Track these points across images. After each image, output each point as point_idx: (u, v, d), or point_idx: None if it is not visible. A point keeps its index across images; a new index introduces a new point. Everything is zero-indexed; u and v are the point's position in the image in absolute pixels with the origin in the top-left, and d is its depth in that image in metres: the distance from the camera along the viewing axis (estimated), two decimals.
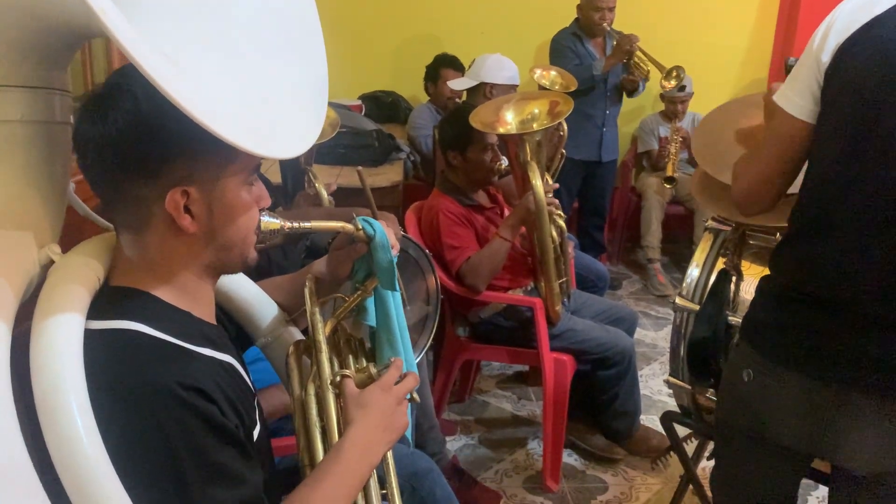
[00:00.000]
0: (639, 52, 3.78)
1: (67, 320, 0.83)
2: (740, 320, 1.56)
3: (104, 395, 0.81)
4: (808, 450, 1.27)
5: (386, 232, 1.16)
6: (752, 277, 1.74)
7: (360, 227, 1.15)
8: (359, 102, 4.26)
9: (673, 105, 4.34)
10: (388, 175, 3.24)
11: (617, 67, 3.86)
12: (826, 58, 1.13)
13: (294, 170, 2.43)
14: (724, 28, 4.73)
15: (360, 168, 1.38)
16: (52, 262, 0.91)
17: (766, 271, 1.32)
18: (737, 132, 1.40)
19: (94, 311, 0.88)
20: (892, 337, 1.11)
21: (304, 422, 1.08)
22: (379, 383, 1.04)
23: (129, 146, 0.86)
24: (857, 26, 1.10)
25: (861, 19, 1.09)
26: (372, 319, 1.20)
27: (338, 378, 1.06)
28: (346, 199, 2.43)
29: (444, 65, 3.98)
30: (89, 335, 0.84)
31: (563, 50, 3.88)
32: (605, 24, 3.84)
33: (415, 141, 3.88)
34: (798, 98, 1.18)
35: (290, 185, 2.44)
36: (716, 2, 4.68)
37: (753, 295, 1.35)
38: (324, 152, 2.97)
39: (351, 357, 1.18)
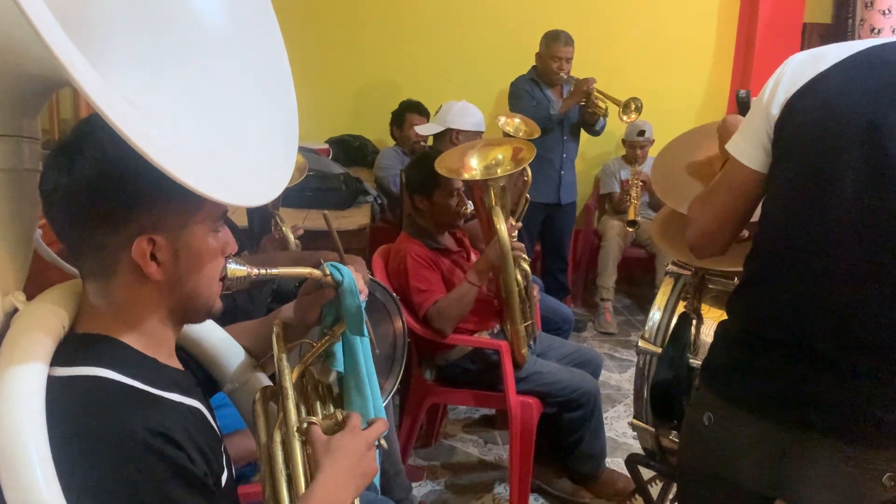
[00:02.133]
0: (595, 92, 3.91)
1: (30, 369, 0.82)
2: (700, 363, 1.59)
3: (70, 442, 0.80)
4: (768, 492, 1.28)
5: (354, 277, 1.17)
6: (711, 320, 1.78)
7: (329, 272, 1.15)
8: (326, 146, 4.29)
9: (633, 150, 4.45)
10: (355, 218, 3.26)
11: (574, 111, 3.97)
12: (776, 111, 1.18)
13: (261, 213, 2.43)
14: (682, 75, 4.89)
15: (326, 213, 1.38)
16: (16, 309, 0.90)
17: (725, 315, 1.35)
18: (692, 164, 1.44)
19: (60, 359, 0.87)
20: (845, 380, 1.14)
21: (271, 469, 1.07)
22: (348, 429, 1.04)
23: (95, 194, 0.86)
24: (803, 81, 1.15)
25: (806, 76, 1.14)
26: (340, 365, 1.20)
27: (304, 425, 1.05)
28: (314, 242, 2.43)
29: (410, 110, 4.05)
30: (55, 382, 0.84)
31: (520, 93, 4.00)
32: (562, 74, 3.97)
33: (382, 181, 3.91)
34: (749, 148, 1.23)
35: (256, 228, 2.44)
36: (673, 49, 4.85)
37: (713, 338, 1.38)
38: (291, 195, 2.98)
39: (318, 403, 1.18)
